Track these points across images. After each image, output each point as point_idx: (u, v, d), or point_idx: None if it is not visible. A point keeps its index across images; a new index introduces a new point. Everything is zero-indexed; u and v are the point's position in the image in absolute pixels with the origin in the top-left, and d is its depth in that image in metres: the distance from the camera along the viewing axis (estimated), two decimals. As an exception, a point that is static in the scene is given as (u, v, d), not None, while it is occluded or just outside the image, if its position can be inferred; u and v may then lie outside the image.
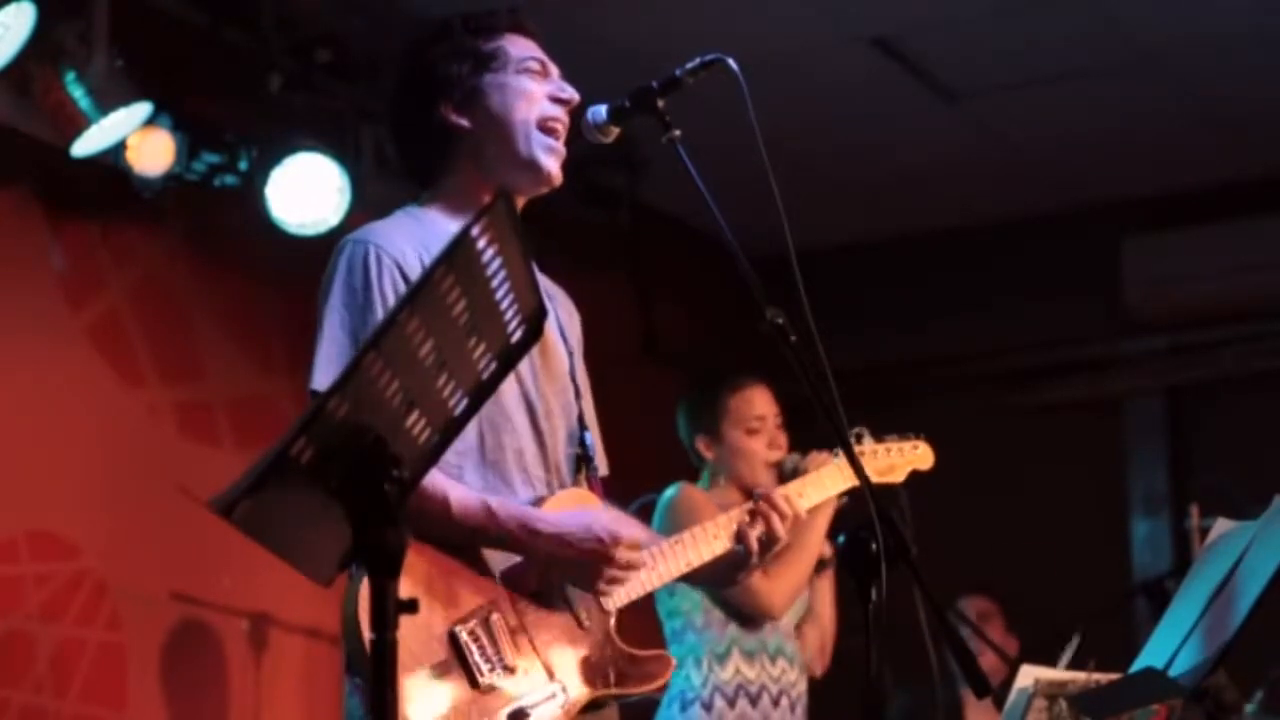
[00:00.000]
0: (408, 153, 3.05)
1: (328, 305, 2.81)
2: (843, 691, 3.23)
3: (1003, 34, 6.02)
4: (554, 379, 2.97)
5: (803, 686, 4.36)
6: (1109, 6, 5.85)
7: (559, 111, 2.95)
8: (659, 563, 2.97)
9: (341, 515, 1.96)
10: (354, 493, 1.96)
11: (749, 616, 4.29)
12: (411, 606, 1.97)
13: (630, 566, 2.83)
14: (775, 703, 4.28)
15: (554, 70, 3.00)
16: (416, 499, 2.59)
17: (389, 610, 1.96)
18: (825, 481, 3.37)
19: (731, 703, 4.24)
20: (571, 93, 2.97)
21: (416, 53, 3.01)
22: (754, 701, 4.26)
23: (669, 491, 4.29)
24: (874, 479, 3.36)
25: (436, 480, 2.70)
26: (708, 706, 4.23)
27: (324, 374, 2.74)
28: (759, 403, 4.43)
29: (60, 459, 5.07)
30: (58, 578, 5.04)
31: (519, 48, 2.98)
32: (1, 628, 4.90)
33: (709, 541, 3.03)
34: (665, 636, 4.34)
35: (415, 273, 2.80)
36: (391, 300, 2.77)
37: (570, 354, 3.04)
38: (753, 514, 3.04)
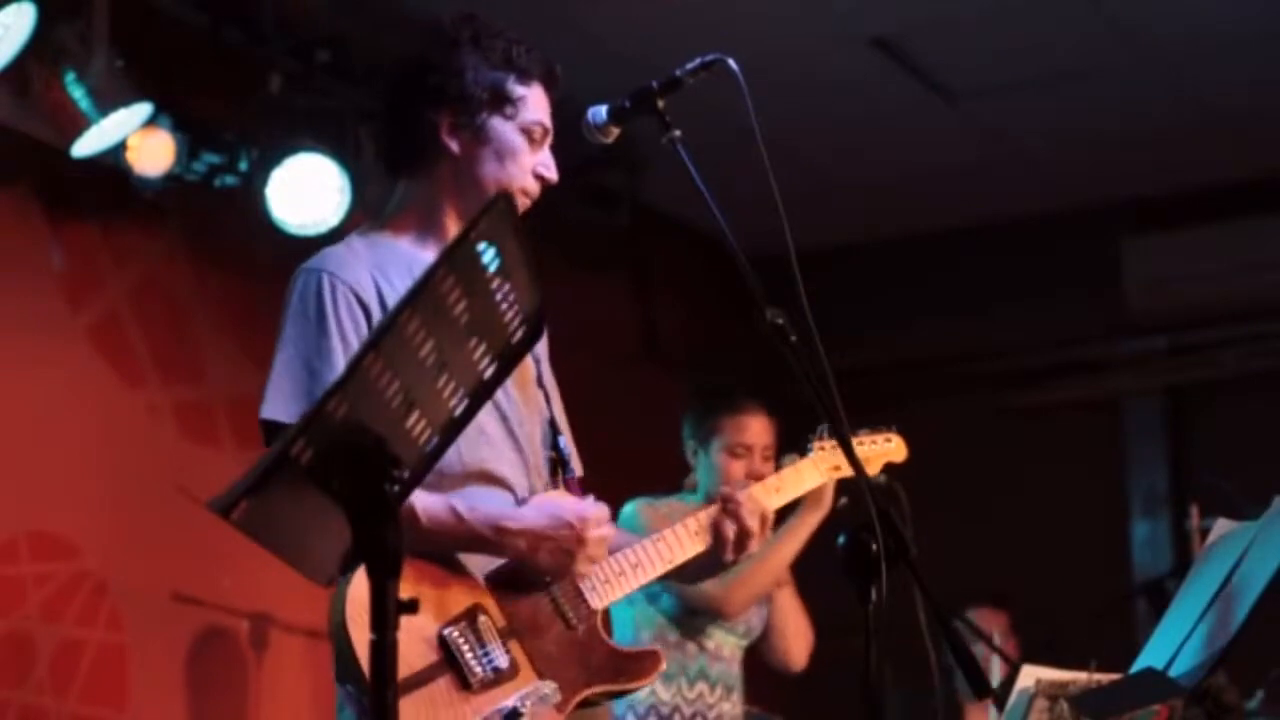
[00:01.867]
0: (389, 133, 2.99)
1: (282, 336, 2.79)
2: (843, 691, 3.22)
3: (1003, 34, 6.01)
4: (524, 386, 2.97)
5: (725, 708, 4.40)
6: (1109, 6, 5.85)
7: (537, 187, 2.95)
8: (641, 561, 2.97)
9: (341, 516, 1.96)
10: (354, 493, 1.96)
11: (704, 615, 4.32)
12: (412, 607, 1.96)
13: (604, 542, 2.84)
14: None
15: (549, 139, 2.98)
16: None
17: (389, 611, 1.95)
18: (803, 475, 3.35)
19: None
20: (554, 175, 2.97)
21: (444, 47, 2.93)
22: None
23: (626, 508, 4.26)
24: (847, 472, 3.36)
25: None
26: None
27: (275, 404, 2.72)
28: (751, 431, 4.43)
29: (60, 459, 5.06)
30: (58, 578, 5.03)
31: (535, 106, 2.94)
32: (1, 628, 4.90)
33: (690, 539, 3.03)
34: None
35: (372, 298, 2.80)
36: (348, 327, 2.76)
37: (537, 360, 3.04)
38: (721, 513, 3.04)
